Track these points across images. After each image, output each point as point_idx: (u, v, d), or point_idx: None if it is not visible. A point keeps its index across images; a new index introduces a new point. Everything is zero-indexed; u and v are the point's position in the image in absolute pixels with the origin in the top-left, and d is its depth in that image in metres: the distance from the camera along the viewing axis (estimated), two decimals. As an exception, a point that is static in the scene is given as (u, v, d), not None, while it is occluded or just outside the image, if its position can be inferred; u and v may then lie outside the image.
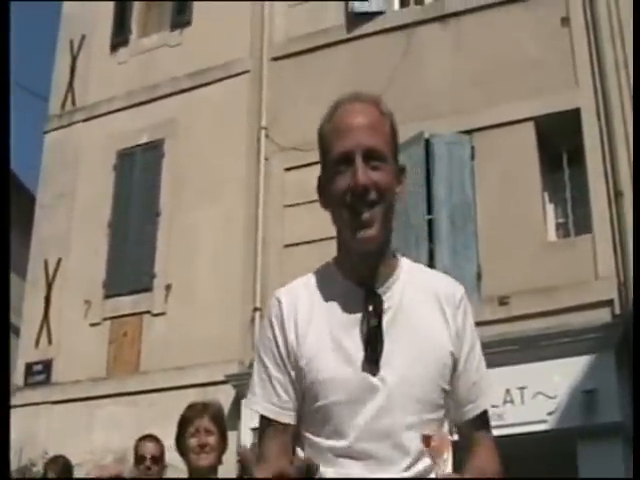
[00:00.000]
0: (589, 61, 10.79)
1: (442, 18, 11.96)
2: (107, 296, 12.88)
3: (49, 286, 13.42)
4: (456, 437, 2.06)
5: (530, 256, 10.25)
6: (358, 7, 12.43)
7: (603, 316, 9.66)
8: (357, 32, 12.45)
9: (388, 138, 2.02)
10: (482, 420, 2.07)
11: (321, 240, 9.65)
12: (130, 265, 12.82)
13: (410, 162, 10.36)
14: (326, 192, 2.03)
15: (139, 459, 5.32)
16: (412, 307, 2.01)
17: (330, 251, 2.12)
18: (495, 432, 2.14)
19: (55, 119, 14.72)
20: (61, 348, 12.90)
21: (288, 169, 12.04)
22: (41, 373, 12.93)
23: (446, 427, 2.05)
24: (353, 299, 1.99)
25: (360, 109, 2.02)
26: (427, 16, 12.09)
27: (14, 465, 11.10)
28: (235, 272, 11.95)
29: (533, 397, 9.45)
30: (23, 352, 13.16)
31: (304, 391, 1.97)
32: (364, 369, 1.93)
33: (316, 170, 2.09)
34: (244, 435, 9.87)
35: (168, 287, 12.40)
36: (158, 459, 5.32)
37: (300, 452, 1.99)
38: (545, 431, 9.35)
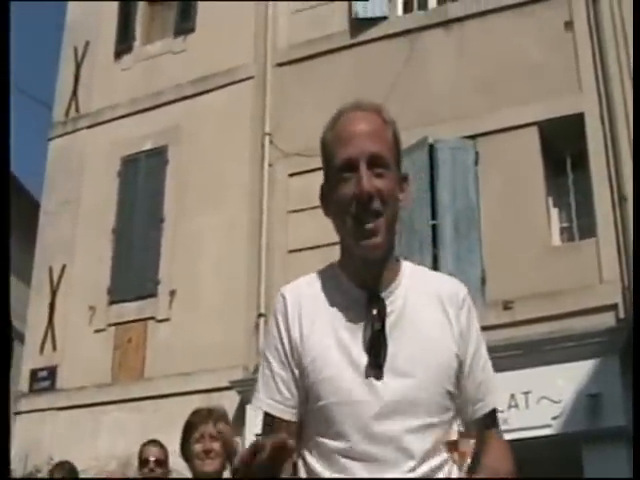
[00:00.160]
0: (593, 66, 10.79)
1: (445, 23, 11.97)
2: (112, 302, 12.90)
3: (54, 292, 13.43)
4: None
5: (534, 260, 10.24)
6: (361, 13, 12.45)
7: (607, 320, 9.65)
8: (361, 38, 12.47)
9: (391, 145, 2.02)
10: (492, 418, 2.07)
11: (325, 245, 9.65)
12: (134, 271, 12.84)
13: (414, 167, 10.37)
14: (329, 200, 2.04)
15: (143, 462, 5.36)
16: (415, 310, 2.02)
17: (334, 256, 2.13)
18: (500, 437, 2.14)
19: (59, 126, 14.74)
20: (66, 354, 12.91)
21: (292, 175, 12.05)
22: (46, 379, 12.93)
23: (454, 428, 2.06)
24: (357, 302, 2.00)
25: (362, 117, 2.02)
26: (430, 21, 12.11)
27: (19, 471, 11.12)
28: (239, 277, 11.95)
29: (538, 402, 9.44)
30: (28, 358, 13.16)
31: (307, 390, 1.98)
32: (367, 373, 1.94)
33: (320, 176, 2.09)
34: (249, 441, 9.85)
35: (172, 293, 12.42)
36: (162, 463, 5.35)
37: (308, 454, 2.00)
38: (550, 435, 9.34)
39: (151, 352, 12.31)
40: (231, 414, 8.22)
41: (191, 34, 14.07)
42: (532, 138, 10.84)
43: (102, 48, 14.76)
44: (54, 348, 13.05)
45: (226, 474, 4.31)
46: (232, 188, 12.54)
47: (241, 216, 12.33)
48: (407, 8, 12.64)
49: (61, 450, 10.55)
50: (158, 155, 13.43)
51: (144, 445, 5.46)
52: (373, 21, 12.42)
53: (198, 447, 4.17)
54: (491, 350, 2.15)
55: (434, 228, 10.77)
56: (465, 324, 2.05)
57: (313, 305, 2.02)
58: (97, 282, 13.00)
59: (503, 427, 2.14)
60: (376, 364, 1.94)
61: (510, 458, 2.05)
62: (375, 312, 1.96)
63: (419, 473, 1.93)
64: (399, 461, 1.92)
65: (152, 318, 12.50)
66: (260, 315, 11.49)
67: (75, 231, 13.67)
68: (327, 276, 2.08)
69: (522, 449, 2.23)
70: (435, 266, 10.25)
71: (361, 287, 2.01)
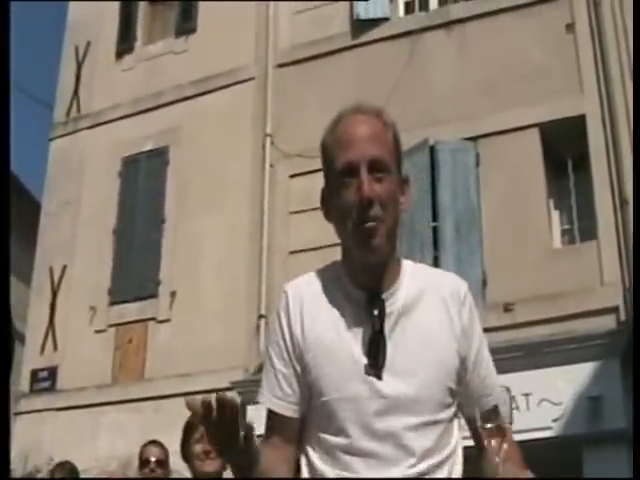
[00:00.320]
0: (594, 67, 10.79)
1: (447, 25, 11.97)
2: (112, 303, 12.90)
3: (54, 293, 13.43)
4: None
5: (535, 263, 10.24)
6: (363, 14, 12.45)
7: (608, 323, 9.65)
8: (362, 39, 12.46)
9: (391, 148, 2.03)
10: (496, 413, 2.08)
11: (326, 247, 9.64)
12: (135, 272, 12.84)
13: (415, 169, 10.37)
14: (330, 205, 2.04)
15: (143, 463, 5.36)
16: (415, 310, 2.03)
17: (335, 258, 2.14)
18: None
19: (60, 126, 14.74)
20: (66, 355, 12.91)
21: (293, 176, 12.04)
22: (46, 380, 12.94)
23: (456, 427, 2.07)
24: (358, 302, 2.01)
25: (363, 120, 2.03)
26: (432, 23, 12.10)
27: (19, 472, 11.12)
28: (240, 279, 11.95)
29: (538, 404, 9.43)
30: (28, 359, 13.16)
31: (309, 386, 1.99)
32: (368, 373, 1.95)
33: (321, 177, 2.09)
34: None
35: (173, 294, 12.41)
36: (163, 463, 5.35)
37: (310, 451, 2.00)
38: (550, 438, 9.32)
39: (152, 353, 12.31)
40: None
41: (192, 34, 14.07)
42: (533, 140, 10.83)
43: (103, 48, 14.77)
44: (55, 349, 13.05)
45: (226, 474, 4.31)
46: (233, 189, 12.54)
47: (242, 217, 12.33)
48: (408, 9, 12.64)
49: (61, 450, 10.54)
50: (159, 156, 13.43)
51: (145, 445, 5.47)
52: (374, 22, 12.42)
53: (198, 448, 4.17)
54: (492, 352, 2.16)
55: (435, 230, 10.76)
56: (467, 321, 2.07)
57: (315, 303, 2.04)
58: (98, 283, 13.00)
59: (503, 428, 2.15)
60: (376, 364, 1.95)
61: (518, 450, 2.12)
62: (376, 312, 1.97)
63: (417, 471, 1.94)
64: (399, 458, 1.93)
65: (153, 319, 12.50)
66: (261, 316, 11.49)
67: (76, 232, 13.68)
68: (330, 275, 2.09)
69: (522, 451, 2.23)
70: (436, 268, 10.23)
71: (362, 288, 2.02)
